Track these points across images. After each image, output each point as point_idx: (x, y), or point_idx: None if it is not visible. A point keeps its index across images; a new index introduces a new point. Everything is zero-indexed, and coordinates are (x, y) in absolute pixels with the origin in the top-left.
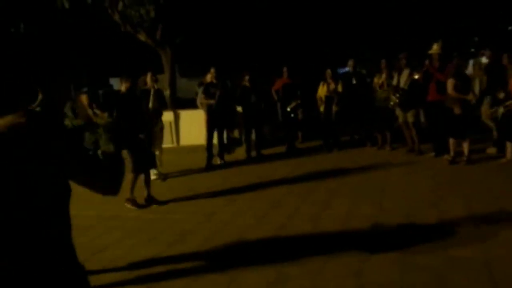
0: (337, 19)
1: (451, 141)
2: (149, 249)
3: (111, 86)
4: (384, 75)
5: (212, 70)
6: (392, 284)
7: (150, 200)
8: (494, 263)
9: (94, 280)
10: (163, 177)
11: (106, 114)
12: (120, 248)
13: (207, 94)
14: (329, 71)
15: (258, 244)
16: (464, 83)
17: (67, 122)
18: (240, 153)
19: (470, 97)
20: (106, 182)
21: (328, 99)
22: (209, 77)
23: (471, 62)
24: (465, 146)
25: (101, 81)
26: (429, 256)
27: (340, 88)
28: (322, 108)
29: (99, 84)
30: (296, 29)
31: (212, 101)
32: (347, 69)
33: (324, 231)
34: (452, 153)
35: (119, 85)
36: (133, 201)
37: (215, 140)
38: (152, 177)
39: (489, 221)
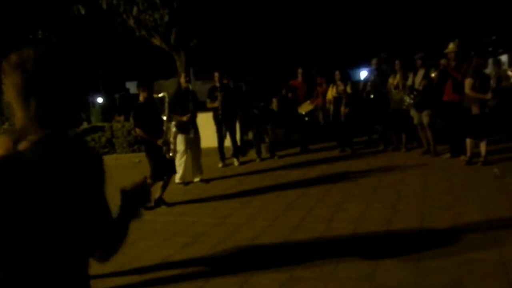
0: (349, 21)
1: (468, 141)
2: (163, 251)
3: (128, 90)
4: (398, 76)
5: (216, 74)
6: (405, 287)
7: (159, 202)
8: (511, 265)
9: (107, 282)
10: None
11: (122, 118)
12: (134, 250)
13: (211, 98)
14: (337, 73)
15: (271, 246)
16: (482, 83)
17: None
18: (254, 155)
19: (488, 96)
20: (105, 248)
21: (337, 100)
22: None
23: (490, 61)
24: (482, 147)
25: (117, 85)
26: (444, 258)
27: (349, 89)
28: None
29: (116, 88)
30: (309, 31)
31: (216, 104)
32: (372, 67)
33: (337, 233)
34: (468, 153)
35: (135, 89)
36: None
37: (228, 143)
38: (176, 181)
39: (505, 223)
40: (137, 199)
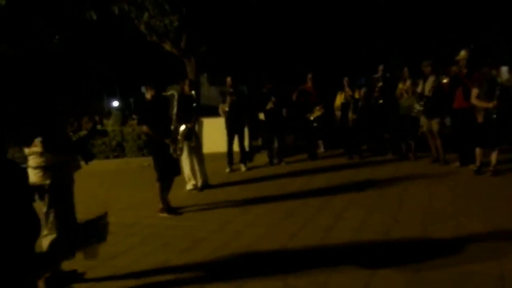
0: (358, 27)
1: (477, 150)
2: (160, 256)
3: (143, 94)
4: (408, 83)
5: (228, 79)
6: None
7: (170, 209)
8: (510, 278)
9: (104, 286)
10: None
11: (135, 121)
12: (132, 254)
13: (224, 102)
14: (346, 79)
15: (267, 254)
16: (488, 91)
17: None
18: (261, 161)
19: (491, 105)
20: None
21: (344, 106)
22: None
23: (504, 68)
24: (493, 156)
25: (132, 90)
26: (441, 270)
27: (357, 95)
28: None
29: (131, 92)
30: (319, 38)
31: (226, 108)
32: (378, 74)
33: (335, 243)
34: (478, 163)
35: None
36: (168, 209)
37: (236, 147)
38: (189, 187)
39: (507, 235)
40: (86, 234)
